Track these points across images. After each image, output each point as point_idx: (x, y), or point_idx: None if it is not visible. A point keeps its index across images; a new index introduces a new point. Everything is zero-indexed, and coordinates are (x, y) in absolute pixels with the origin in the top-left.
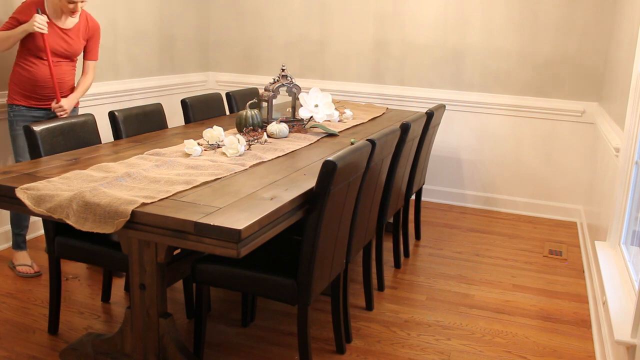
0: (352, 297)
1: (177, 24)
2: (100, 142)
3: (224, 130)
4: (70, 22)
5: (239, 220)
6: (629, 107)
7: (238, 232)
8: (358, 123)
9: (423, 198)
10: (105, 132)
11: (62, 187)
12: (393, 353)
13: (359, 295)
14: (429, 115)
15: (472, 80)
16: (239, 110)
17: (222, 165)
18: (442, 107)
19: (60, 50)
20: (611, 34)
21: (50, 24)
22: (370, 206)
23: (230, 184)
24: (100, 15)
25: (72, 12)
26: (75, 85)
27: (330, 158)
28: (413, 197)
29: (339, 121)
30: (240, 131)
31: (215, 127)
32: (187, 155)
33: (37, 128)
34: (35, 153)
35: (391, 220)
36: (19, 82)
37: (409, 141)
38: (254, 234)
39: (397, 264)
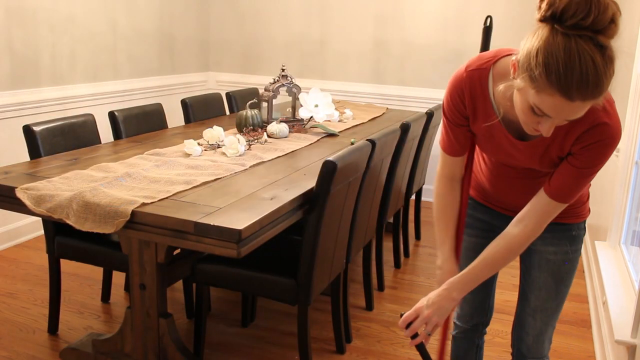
0: (352, 297)
1: (177, 24)
2: (100, 142)
3: (224, 130)
4: None
5: (239, 220)
6: (629, 107)
7: (238, 232)
8: (358, 123)
9: (423, 198)
10: (105, 132)
11: (62, 187)
12: (393, 353)
13: (359, 295)
14: (429, 115)
15: None
16: (239, 110)
17: (222, 165)
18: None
19: None
20: None
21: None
22: (370, 206)
23: (230, 184)
24: (100, 15)
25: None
26: None
27: (330, 158)
28: (413, 197)
29: (339, 121)
30: (240, 131)
31: (215, 127)
32: (187, 155)
33: (37, 128)
34: (35, 153)
35: (391, 220)
36: None
37: (409, 141)
38: (254, 233)
39: (397, 264)
